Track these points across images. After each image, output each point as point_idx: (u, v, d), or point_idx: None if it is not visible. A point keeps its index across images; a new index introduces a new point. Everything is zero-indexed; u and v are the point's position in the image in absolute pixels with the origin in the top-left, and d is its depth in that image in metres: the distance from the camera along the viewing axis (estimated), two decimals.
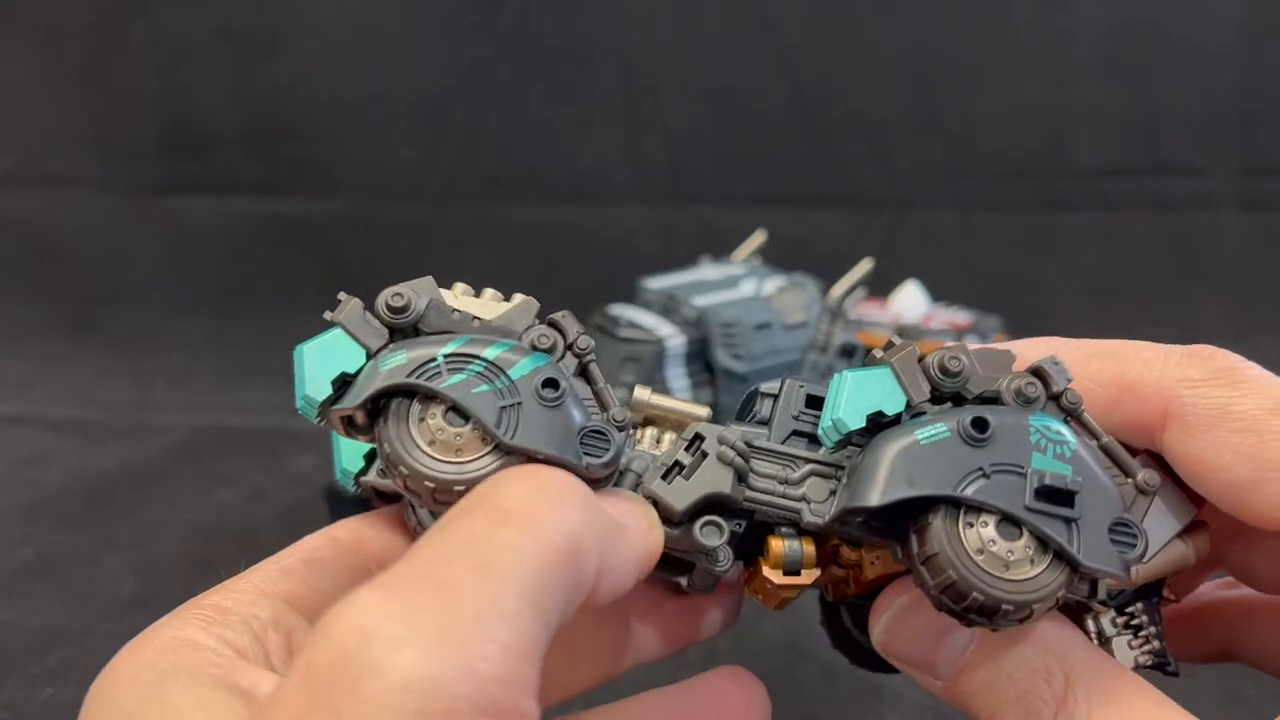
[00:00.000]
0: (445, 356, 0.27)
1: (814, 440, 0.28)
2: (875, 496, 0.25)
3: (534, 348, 0.28)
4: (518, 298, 0.30)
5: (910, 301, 0.86)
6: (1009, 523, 0.25)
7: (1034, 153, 1.16)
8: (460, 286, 0.30)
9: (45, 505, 0.77)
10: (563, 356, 0.28)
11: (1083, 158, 1.15)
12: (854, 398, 0.27)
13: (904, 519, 0.26)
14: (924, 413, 0.27)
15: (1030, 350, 0.28)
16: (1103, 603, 0.28)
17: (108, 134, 1.22)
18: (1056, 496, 0.25)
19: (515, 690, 0.19)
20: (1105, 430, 0.27)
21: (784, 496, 0.28)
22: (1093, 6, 1.13)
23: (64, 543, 0.71)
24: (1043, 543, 0.25)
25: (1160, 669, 0.29)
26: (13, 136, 1.22)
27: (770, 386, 0.30)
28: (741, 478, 0.28)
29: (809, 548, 0.28)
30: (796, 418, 0.29)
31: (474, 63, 1.18)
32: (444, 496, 0.26)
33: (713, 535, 0.27)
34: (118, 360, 1.09)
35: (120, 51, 1.20)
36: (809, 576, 0.28)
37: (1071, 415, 0.27)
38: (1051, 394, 0.27)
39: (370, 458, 0.30)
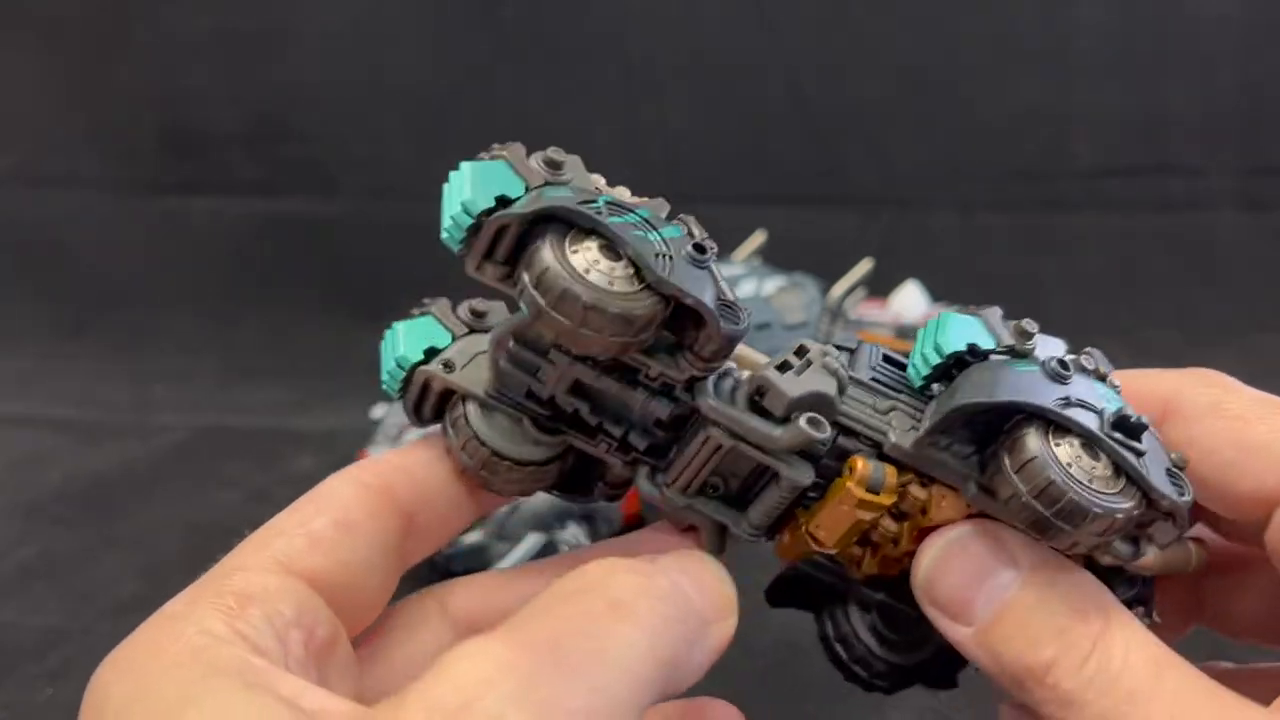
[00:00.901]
0: (606, 202, 0.28)
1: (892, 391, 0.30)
2: (986, 395, 0.27)
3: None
4: (654, 200, 0.31)
5: (910, 301, 0.86)
6: (1090, 446, 0.27)
7: (1034, 153, 1.16)
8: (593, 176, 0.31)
9: (45, 505, 0.77)
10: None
11: (1083, 158, 1.15)
12: (955, 331, 0.29)
13: (989, 440, 0.28)
14: (1005, 354, 0.29)
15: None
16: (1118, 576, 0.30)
17: (108, 134, 1.22)
18: (1129, 429, 0.27)
19: None
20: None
21: (873, 419, 0.29)
22: (1094, 6, 1.13)
23: (64, 543, 0.71)
24: (1118, 469, 0.27)
25: None
26: (13, 136, 1.22)
27: (846, 340, 0.31)
28: (841, 389, 0.29)
29: (890, 469, 0.29)
30: (874, 368, 0.30)
31: (474, 63, 1.18)
32: (596, 322, 0.26)
33: (820, 428, 0.28)
34: (118, 360, 1.09)
35: (120, 51, 1.20)
36: (888, 498, 0.29)
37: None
38: (1099, 375, 0.29)
39: (430, 353, 0.31)
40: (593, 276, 0.26)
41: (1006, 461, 0.27)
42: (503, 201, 0.28)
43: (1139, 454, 0.27)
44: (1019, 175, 1.16)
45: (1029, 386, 0.28)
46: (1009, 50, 1.14)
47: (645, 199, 0.30)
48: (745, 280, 0.76)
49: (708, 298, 0.27)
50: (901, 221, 1.16)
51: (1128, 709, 0.25)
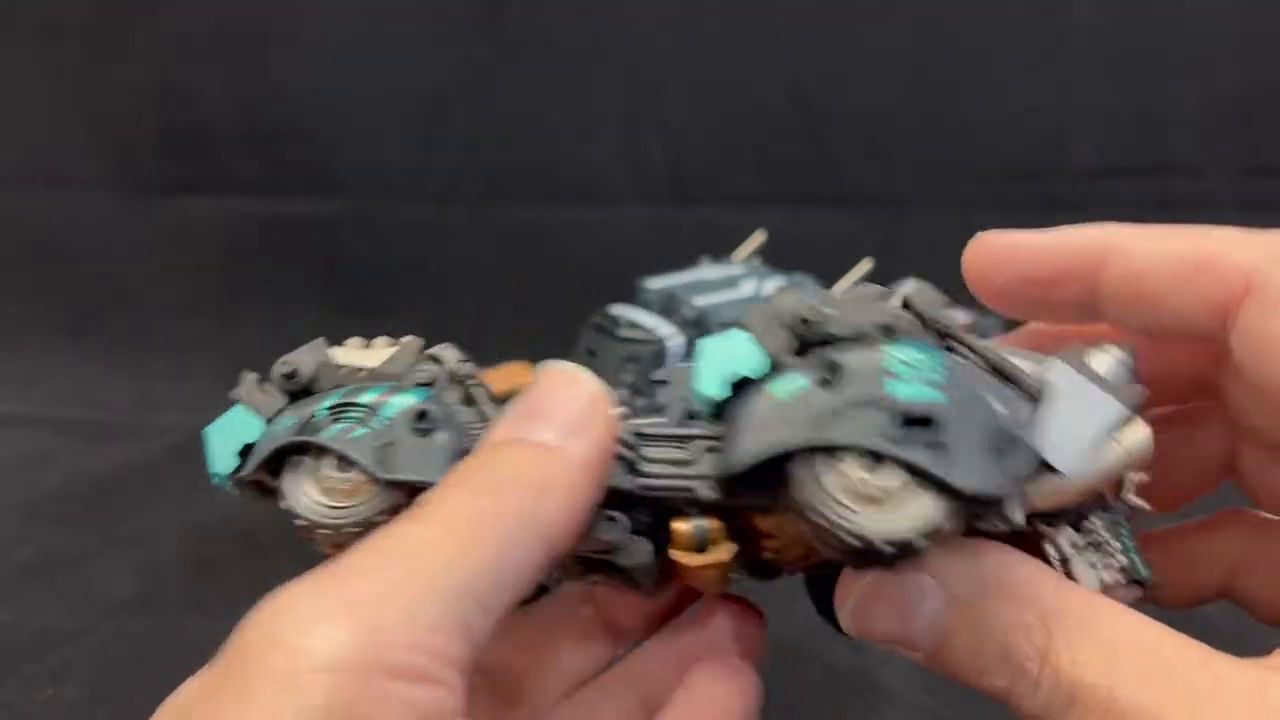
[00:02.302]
0: (328, 409, 0.29)
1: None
2: (737, 461, 0.25)
3: (417, 384, 0.30)
4: (404, 340, 0.31)
5: None
6: (873, 457, 0.23)
7: (1034, 153, 1.15)
8: (353, 341, 0.32)
9: (45, 505, 0.77)
10: (446, 387, 0.30)
11: (1083, 158, 1.15)
12: (712, 366, 0.26)
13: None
14: (787, 367, 0.26)
15: (1090, 237, 0.28)
16: (1049, 522, 0.26)
17: (108, 134, 1.22)
18: (919, 422, 0.23)
19: (420, 655, 0.19)
20: (1171, 313, 0.26)
21: (677, 477, 0.27)
22: (1093, 6, 1.13)
23: (64, 543, 0.71)
24: (915, 471, 0.23)
25: (1134, 584, 0.27)
26: (13, 136, 1.22)
27: (663, 373, 0.29)
28: (633, 467, 0.27)
29: (713, 523, 0.27)
30: (685, 398, 0.28)
31: (474, 63, 1.18)
32: (339, 539, 0.27)
33: (611, 530, 0.27)
34: (118, 360, 1.09)
35: (120, 51, 1.20)
36: (724, 551, 0.27)
37: (949, 337, 0.26)
38: (925, 321, 0.26)
39: (244, 453, 0.31)
40: (333, 494, 0.28)
41: (788, 504, 0.25)
42: (247, 450, 0.30)
43: (938, 445, 0.23)
44: (1019, 175, 1.16)
45: (793, 411, 0.24)
46: (1009, 50, 1.14)
47: (397, 347, 0.31)
48: (745, 280, 0.76)
49: (439, 465, 0.27)
50: (901, 221, 1.16)
51: None
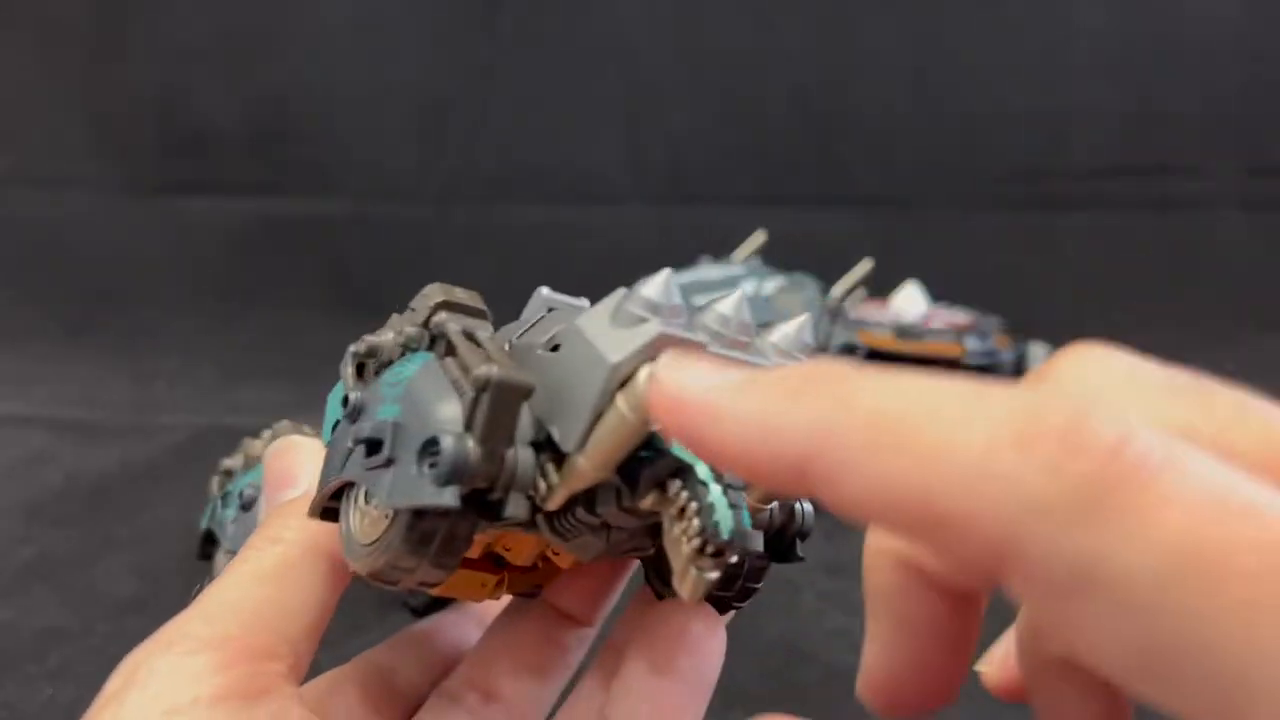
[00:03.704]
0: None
1: None
2: (310, 508, 0.26)
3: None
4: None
5: (910, 301, 0.86)
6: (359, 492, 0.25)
7: (1034, 153, 1.16)
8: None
9: (45, 505, 0.77)
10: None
11: (1083, 158, 1.15)
12: (329, 414, 0.27)
13: None
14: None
15: (780, 436, 0.17)
16: (627, 508, 0.23)
17: (108, 134, 1.22)
18: (373, 446, 0.23)
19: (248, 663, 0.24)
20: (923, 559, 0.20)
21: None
22: (1093, 7, 1.13)
23: (64, 543, 0.70)
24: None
25: (711, 548, 0.21)
26: (13, 136, 1.22)
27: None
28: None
29: None
30: None
31: (474, 63, 1.18)
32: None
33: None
34: (118, 360, 1.09)
35: (120, 51, 1.20)
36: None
37: (444, 338, 0.25)
38: (423, 325, 0.26)
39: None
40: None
41: None
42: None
43: (389, 464, 0.22)
44: (1019, 175, 1.16)
45: (335, 448, 0.25)
46: (1009, 50, 1.14)
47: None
48: (745, 280, 0.76)
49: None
50: (901, 221, 1.16)
51: None
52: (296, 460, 0.29)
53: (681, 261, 0.87)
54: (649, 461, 0.21)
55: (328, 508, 0.26)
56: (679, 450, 0.21)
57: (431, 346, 0.25)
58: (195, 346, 1.12)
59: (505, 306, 0.32)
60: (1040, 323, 0.86)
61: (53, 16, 1.20)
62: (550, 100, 1.18)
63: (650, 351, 0.20)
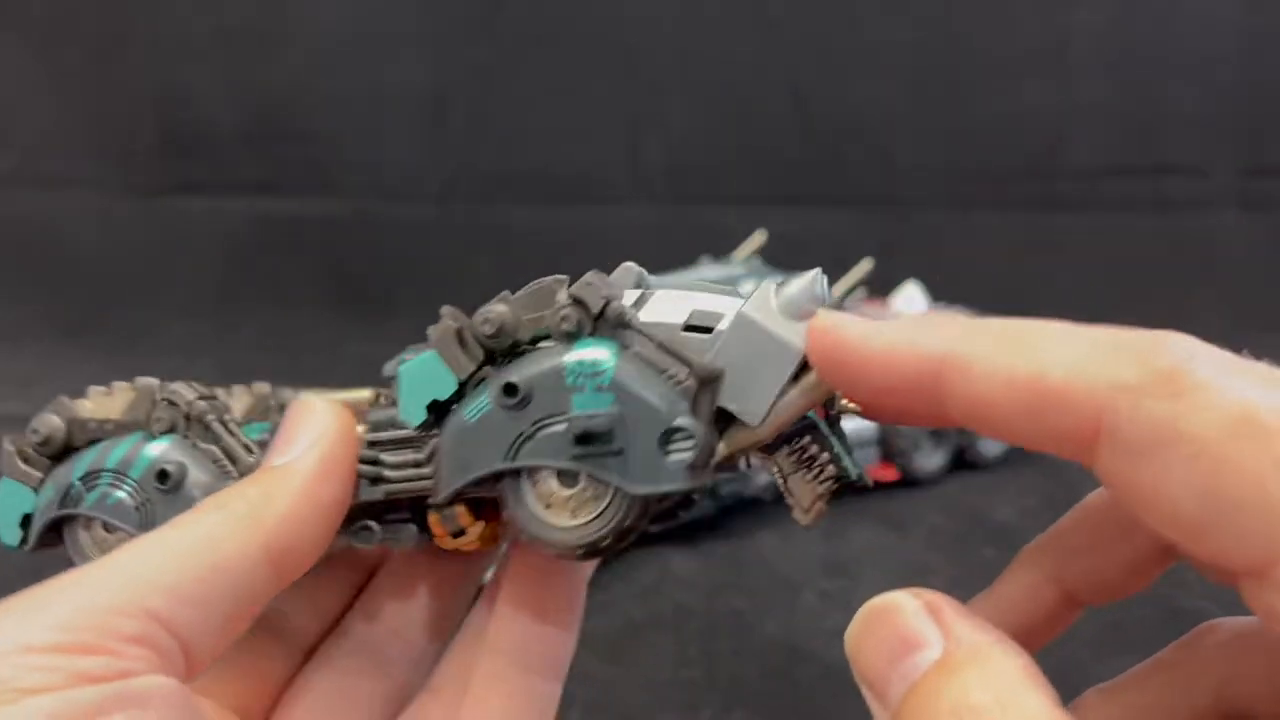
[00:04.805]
0: (79, 479, 0.30)
1: None
2: (441, 492, 0.27)
3: (161, 432, 0.30)
4: (139, 382, 0.31)
5: (910, 301, 0.86)
6: (563, 475, 0.26)
7: (1034, 153, 1.16)
8: (94, 390, 0.32)
9: None
10: (188, 429, 0.30)
11: (1083, 158, 1.15)
12: (409, 393, 0.28)
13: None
14: (482, 379, 0.27)
15: (925, 348, 0.23)
16: (766, 451, 0.27)
17: (108, 134, 1.22)
18: (594, 437, 0.25)
19: (88, 633, 0.22)
20: (1022, 440, 0.23)
21: (418, 479, 0.28)
22: (1093, 6, 1.13)
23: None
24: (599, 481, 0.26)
25: (848, 489, 0.27)
26: (13, 136, 1.23)
27: (391, 367, 0.29)
28: (377, 479, 0.28)
29: (459, 509, 0.28)
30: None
31: (474, 63, 1.18)
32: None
33: (366, 539, 0.29)
34: (118, 360, 1.09)
35: (120, 51, 1.20)
36: (475, 532, 0.29)
37: (621, 326, 0.26)
38: (595, 315, 0.26)
39: (24, 522, 0.32)
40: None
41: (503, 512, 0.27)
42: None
43: (617, 453, 0.25)
44: (1019, 175, 1.16)
45: (485, 435, 0.26)
46: (1009, 50, 1.14)
47: (134, 391, 0.31)
48: (745, 280, 0.76)
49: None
50: (902, 221, 1.16)
51: None
52: (297, 425, 0.28)
53: (681, 261, 0.87)
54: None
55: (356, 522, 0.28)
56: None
57: (594, 332, 0.26)
58: (195, 347, 1.12)
59: None
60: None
61: (53, 16, 1.20)
62: (550, 100, 1.18)
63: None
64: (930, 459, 0.78)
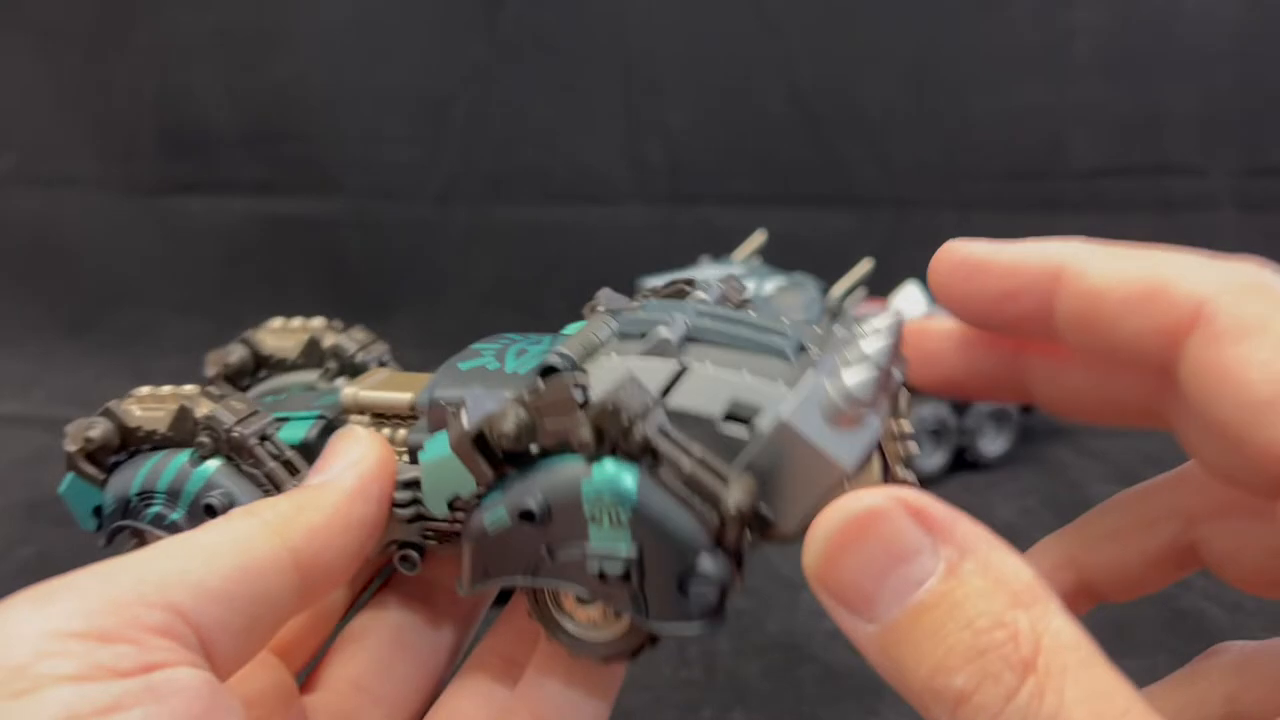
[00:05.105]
0: (136, 495, 0.32)
1: None
2: (463, 587, 0.28)
3: (203, 458, 0.32)
4: (186, 389, 0.33)
5: (910, 301, 0.86)
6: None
7: (1034, 153, 1.16)
8: (141, 390, 0.34)
9: (45, 505, 0.77)
10: (226, 455, 0.32)
11: (1083, 158, 1.15)
12: (431, 486, 0.28)
13: None
14: (504, 478, 0.27)
15: (1048, 252, 0.27)
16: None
17: (108, 134, 1.22)
18: (612, 580, 0.25)
19: (111, 619, 0.22)
20: (1121, 337, 0.25)
21: (451, 520, 0.29)
22: (1093, 6, 1.13)
23: (64, 543, 0.71)
24: None
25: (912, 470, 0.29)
26: (13, 136, 1.23)
27: (424, 399, 0.29)
28: (413, 519, 0.29)
29: None
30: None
31: (474, 63, 1.18)
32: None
33: (409, 567, 0.30)
34: (118, 360, 1.09)
35: (120, 51, 1.20)
36: None
37: (648, 453, 0.25)
38: (624, 435, 0.25)
39: (97, 512, 0.34)
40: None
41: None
42: (99, 509, 0.34)
43: (634, 594, 0.26)
44: (1019, 175, 1.16)
45: (505, 545, 0.27)
46: (1009, 50, 1.14)
47: (175, 404, 0.34)
48: (745, 280, 0.76)
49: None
50: (901, 221, 1.16)
51: None
52: (339, 450, 0.29)
53: (681, 261, 0.87)
54: None
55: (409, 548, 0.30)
56: None
57: (614, 451, 0.25)
58: (195, 346, 1.12)
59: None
60: None
61: (53, 16, 1.20)
62: (550, 100, 1.18)
63: (853, 467, 0.24)
64: (930, 459, 0.78)
